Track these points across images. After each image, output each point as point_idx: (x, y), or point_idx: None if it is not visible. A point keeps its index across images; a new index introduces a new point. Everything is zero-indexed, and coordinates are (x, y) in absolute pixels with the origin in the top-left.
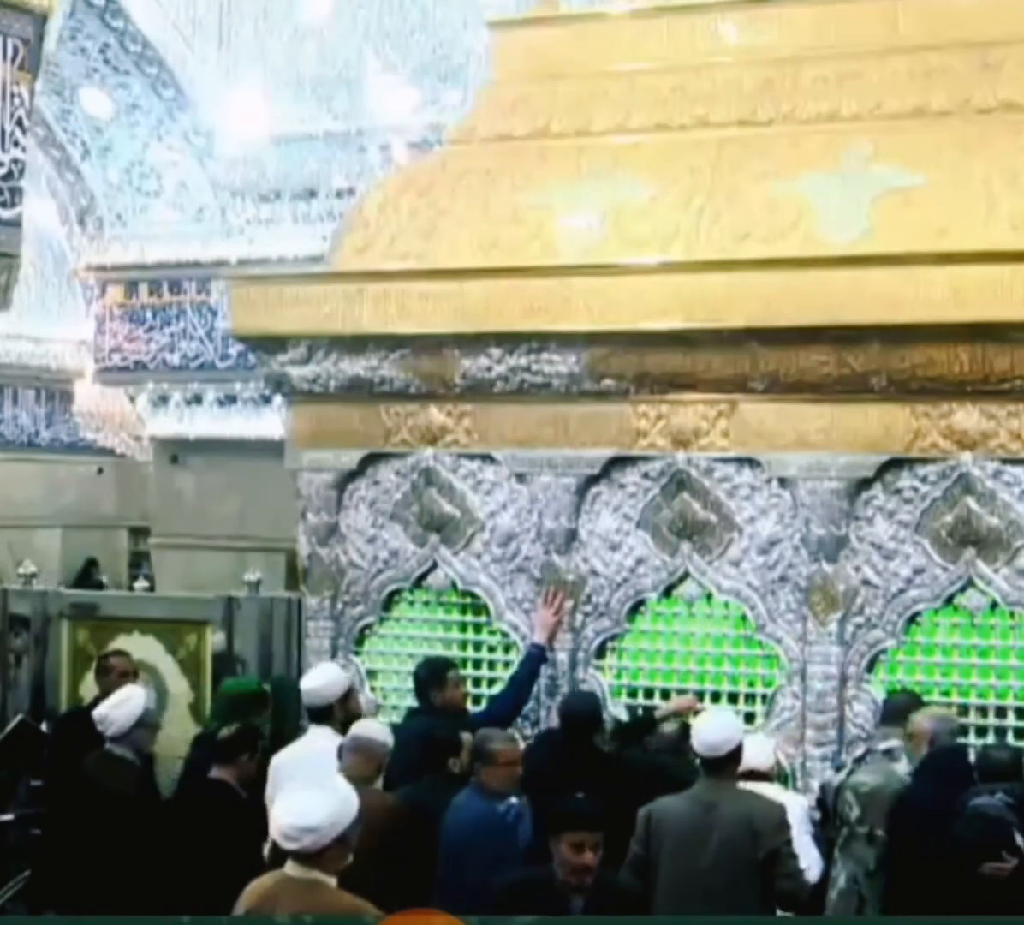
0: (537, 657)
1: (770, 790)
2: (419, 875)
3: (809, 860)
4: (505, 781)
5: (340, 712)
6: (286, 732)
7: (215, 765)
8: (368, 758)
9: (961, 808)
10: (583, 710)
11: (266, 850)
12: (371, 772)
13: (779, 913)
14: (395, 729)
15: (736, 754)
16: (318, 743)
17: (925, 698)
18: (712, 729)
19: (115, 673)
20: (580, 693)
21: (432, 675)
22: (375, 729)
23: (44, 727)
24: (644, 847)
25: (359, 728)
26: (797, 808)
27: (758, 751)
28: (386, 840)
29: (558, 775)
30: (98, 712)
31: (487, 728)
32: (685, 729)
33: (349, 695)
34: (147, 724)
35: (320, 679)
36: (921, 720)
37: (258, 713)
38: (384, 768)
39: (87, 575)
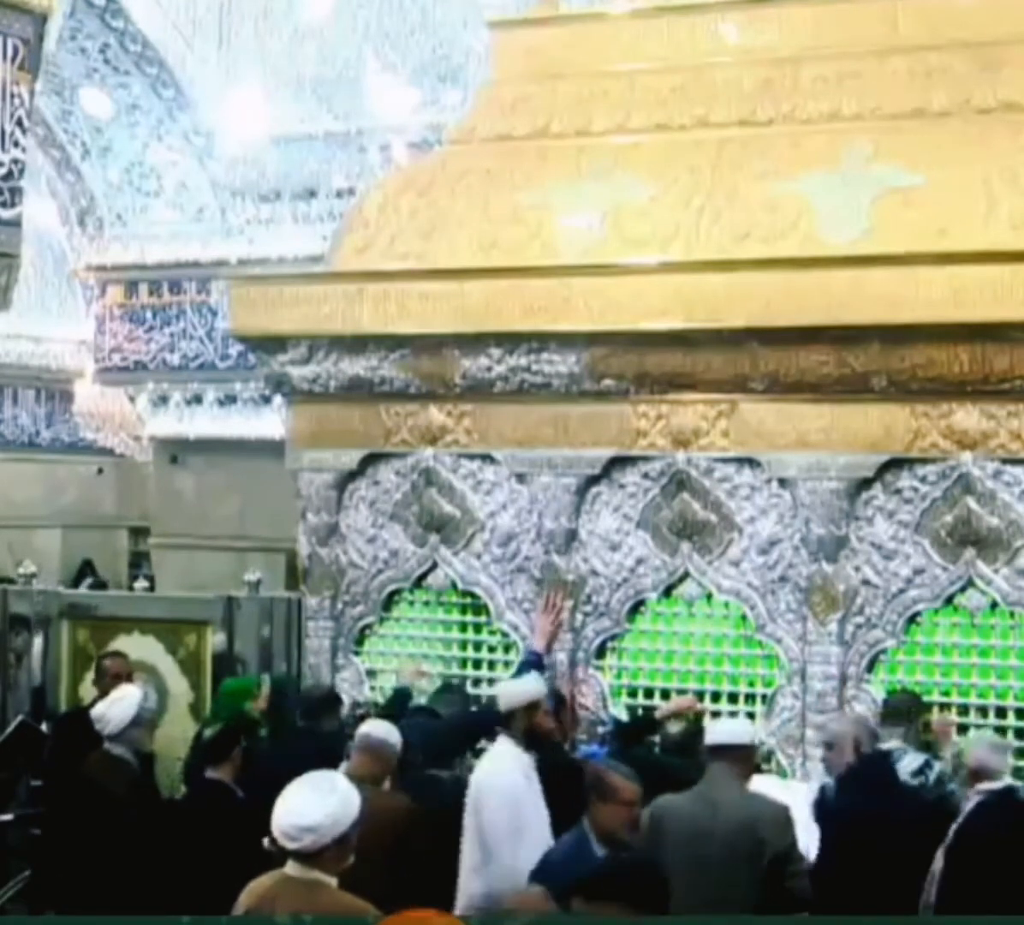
0: (534, 664)
1: (769, 781)
2: (433, 875)
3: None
4: (623, 823)
5: (522, 721)
6: (285, 731)
7: (208, 766)
8: (377, 758)
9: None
10: None
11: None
12: (380, 772)
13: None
14: (408, 728)
15: (740, 750)
16: (498, 751)
17: (925, 698)
18: (722, 724)
19: (109, 675)
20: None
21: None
22: (385, 729)
23: (44, 727)
24: (649, 846)
25: (368, 727)
26: (800, 796)
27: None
28: (401, 841)
29: None
30: (95, 711)
31: (607, 760)
32: (691, 731)
33: (535, 706)
34: (143, 723)
35: (511, 685)
36: (835, 724)
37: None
38: (393, 769)
39: (82, 576)
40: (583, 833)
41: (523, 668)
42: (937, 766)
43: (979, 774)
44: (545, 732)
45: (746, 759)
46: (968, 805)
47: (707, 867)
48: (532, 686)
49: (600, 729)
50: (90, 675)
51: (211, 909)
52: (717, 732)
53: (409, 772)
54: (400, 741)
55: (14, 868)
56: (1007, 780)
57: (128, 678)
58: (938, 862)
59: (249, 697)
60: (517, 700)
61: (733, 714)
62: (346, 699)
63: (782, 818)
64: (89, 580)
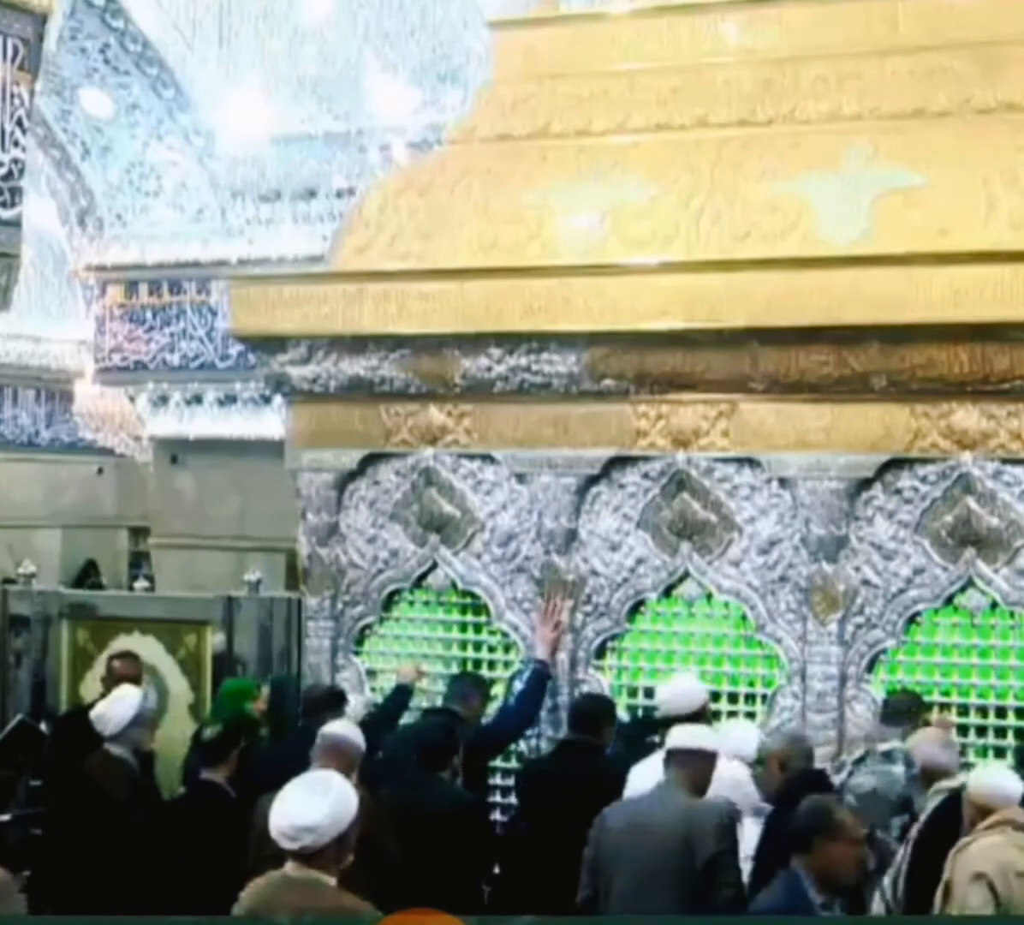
0: (541, 673)
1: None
2: (403, 874)
3: None
4: (848, 863)
5: (709, 719)
6: (285, 732)
7: (204, 767)
8: (338, 757)
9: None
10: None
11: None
12: (343, 771)
13: None
14: (409, 728)
15: (696, 757)
16: None
17: (925, 698)
18: (684, 729)
19: (116, 677)
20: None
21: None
22: (347, 729)
23: (44, 727)
24: (594, 849)
25: (331, 727)
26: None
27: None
28: (368, 842)
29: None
30: (95, 711)
31: (821, 796)
32: None
33: (705, 708)
34: (143, 723)
35: (678, 689)
36: (772, 744)
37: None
38: (356, 768)
39: (86, 576)
40: (795, 877)
41: (531, 678)
42: None
43: (931, 773)
44: None
45: (702, 767)
46: (929, 805)
47: (639, 867)
48: (699, 688)
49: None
50: (90, 675)
51: (208, 909)
52: (676, 736)
53: (409, 773)
54: (362, 740)
55: (14, 868)
56: (962, 777)
57: (136, 680)
58: (902, 861)
59: (249, 697)
60: (692, 703)
61: (733, 714)
62: (352, 700)
63: (721, 825)
64: (91, 581)
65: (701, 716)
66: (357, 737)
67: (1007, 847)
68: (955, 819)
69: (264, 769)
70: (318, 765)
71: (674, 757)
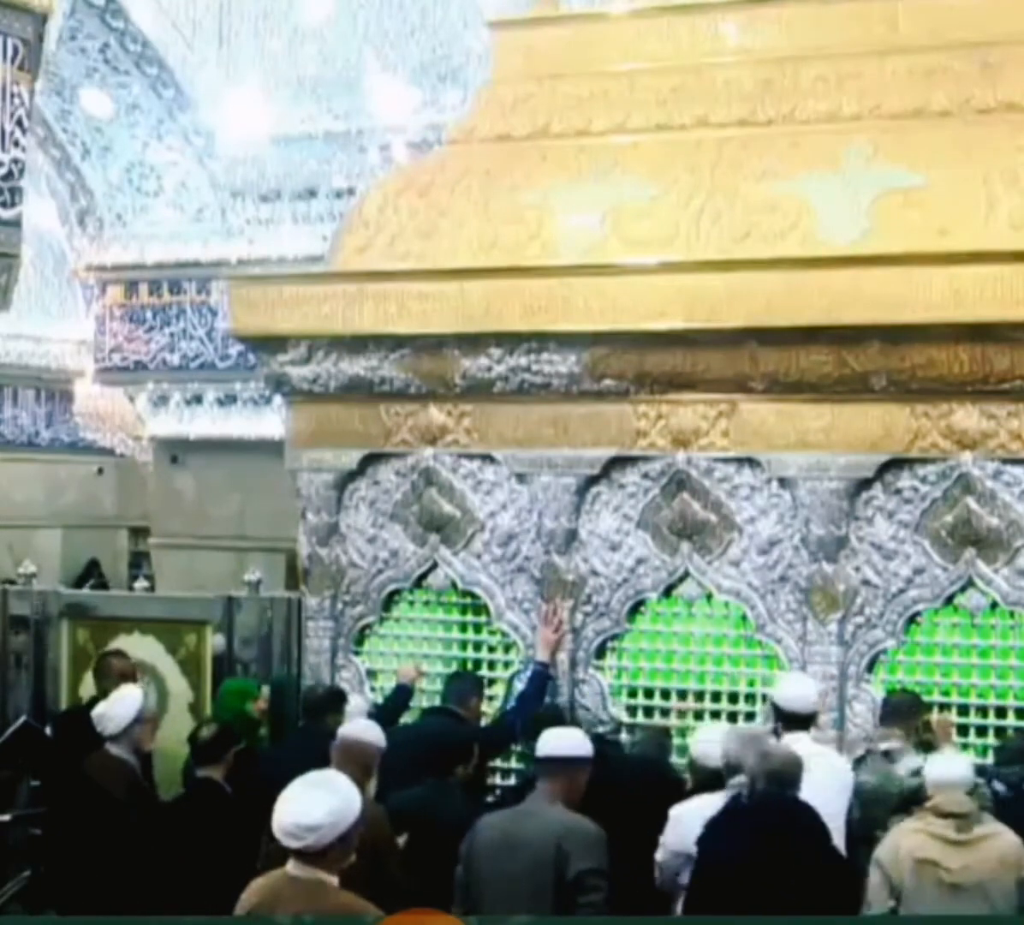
0: (542, 675)
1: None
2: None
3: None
4: None
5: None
6: (286, 732)
7: (200, 766)
8: (351, 760)
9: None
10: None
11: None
12: (359, 776)
13: None
14: (409, 727)
15: (567, 765)
16: (819, 751)
17: (925, 698)
18: (553, 735)
19: (114, 674)
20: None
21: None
22: (364, 730)
23: (46, 728)
24: (465, 867)
25: (346, 729)
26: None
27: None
28: (371, 854)
29: None
30: (96, 711)
31: None
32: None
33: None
34: (143, 723)
35: (800, 688)
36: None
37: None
38: (375, 772)
39: (89, 576)
40: None
41: (532, 680)
42: None
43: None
44: None
45: (571, 775)
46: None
47: (509, 882)
48: (815, 686)
49: (600, 729)
50: (90, 675)
51: (206, 908)
52: (545, 743)
53: (423, 777)
54: (379, 740)
55: (14, 868)
56: (741, 777)
57: (133, 678)
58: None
59: (250, 697)
60: (812, 702)
61: (733, 714)
62: (353, 700)
63: (591, 838)
64: (93, 581)
65: (815, 717)
66: (376, 738)
67: (912, 833)
68: (737, 817)
69: (266, 769)
70: (335, 765)
71: (543, 766)
